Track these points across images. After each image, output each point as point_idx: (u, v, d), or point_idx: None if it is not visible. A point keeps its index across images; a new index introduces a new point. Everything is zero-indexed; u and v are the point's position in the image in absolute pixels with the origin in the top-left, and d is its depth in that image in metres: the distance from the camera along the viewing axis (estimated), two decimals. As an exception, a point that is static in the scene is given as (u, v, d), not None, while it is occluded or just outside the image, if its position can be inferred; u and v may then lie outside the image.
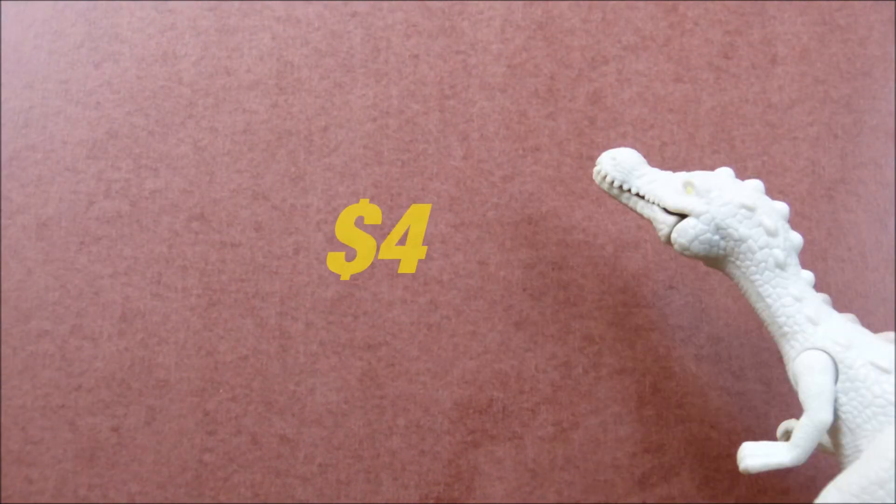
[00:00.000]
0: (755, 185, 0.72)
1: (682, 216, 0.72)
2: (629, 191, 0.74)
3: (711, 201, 0.70)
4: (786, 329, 0.70)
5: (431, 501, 0.88)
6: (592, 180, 0.94)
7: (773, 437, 0.90)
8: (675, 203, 0.71)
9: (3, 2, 0.93)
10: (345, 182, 0.92)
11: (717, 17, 0.99)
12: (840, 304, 0.93)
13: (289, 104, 0.93)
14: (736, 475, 0.90)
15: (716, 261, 0.72)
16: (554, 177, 0.94)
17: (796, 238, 0.71)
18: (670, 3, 0.99)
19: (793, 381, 0.70)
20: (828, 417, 0.65)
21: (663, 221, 0.72)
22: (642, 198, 0.73)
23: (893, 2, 1.01)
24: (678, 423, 0.90)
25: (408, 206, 0.92)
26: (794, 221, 0.95)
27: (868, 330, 0.75)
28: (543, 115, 0.95)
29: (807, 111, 0.97)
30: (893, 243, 0.95)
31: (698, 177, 0.71)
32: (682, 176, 0.73)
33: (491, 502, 0.88)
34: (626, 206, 0.77)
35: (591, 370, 0.91)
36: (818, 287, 0.93)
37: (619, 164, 0.74)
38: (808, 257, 0.94)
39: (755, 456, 0.65)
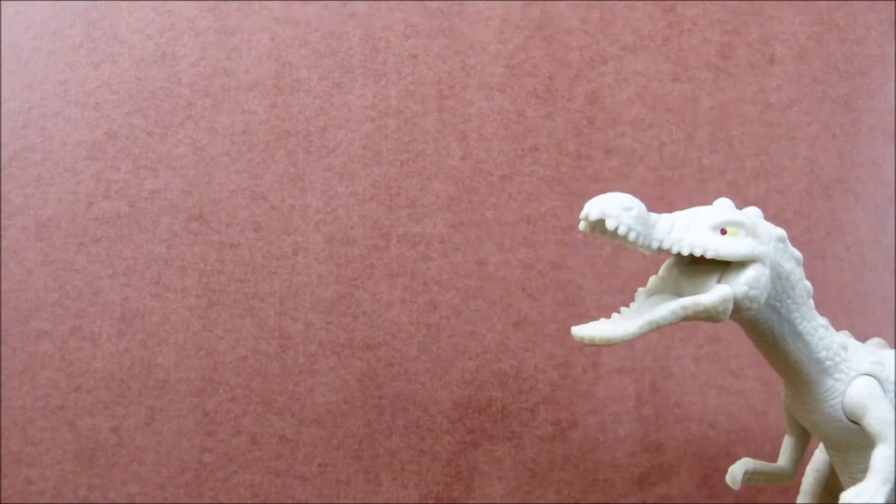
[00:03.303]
0: (760, 213, 0.65)
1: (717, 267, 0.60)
2: (647, 246, 0.58)
3: (761, 239, 0.60)
4: (827, 363, 0.63)
5: (431, 501, 0.88)
6: (591, 180, 0.94)
7: (771, 436, 0.90)
8: (739, 251, 0.59)
9: (2, 2, 0.93)
10: (344, 182, 0.92)
11: (716, 17, 0.99)
12: (839, 304, 0.93)
13: (287, 105, 0.93)
14: (735, 474, 0.90)
15: (762, 309, 0.61)
16: (552, 176, 0.94)
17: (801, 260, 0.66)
18: (668, 3, 0.99)
19: (838, 416, 0.64)
20: None
21: (721, 300, 0.58)
22: (664, 251, 0.59)
23: (892, 1, 1.01)
24: (677, 422, 0.90)
25: (407, 206, 0.92)
26: (793, 221, 0.95)
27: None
28: (542, 114, 0.95)
29: (805, 111, 0.98)
30: (892, 242, 0.96)
31: (740, 214, 0.61)
32: (705, 217, 0.60)
33: (490, 502, 0.88)
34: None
35: (590, 370, 0.91)
36: (816, 288, 0.94)
37: (639, 214, 0.57)
38: (806, 256, 0.94)
39: (861, 496, 0.59)
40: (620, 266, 0.93)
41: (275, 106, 0.93)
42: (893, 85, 0.99)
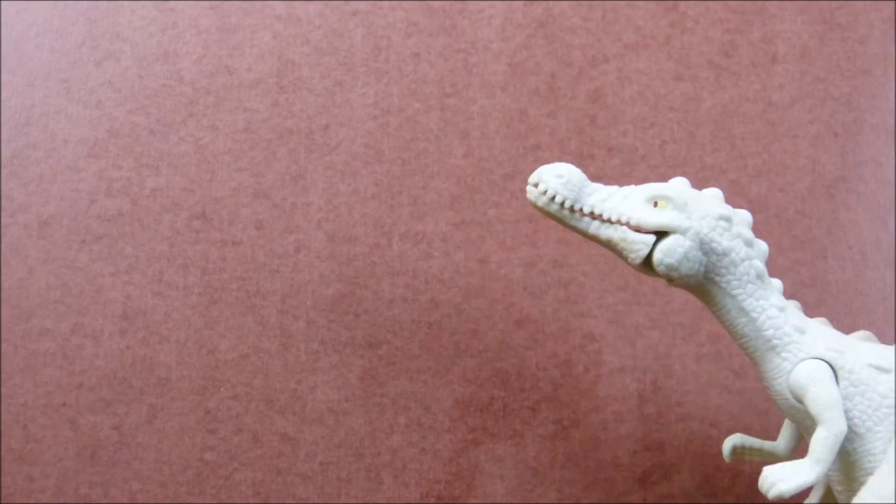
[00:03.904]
0: (718, 194, 0.69)
1: (656, 234, 0.65)
2: (580, 210, 0.65)
3: (691, 215, 0.65)
4: (775, 342, 0.66)
5: (432, 499, 0.88)
6: (593, 178, 0.94)
7: (773, 435, 0.90)
8: (655, 220, 0.64)
9: (4, 1, 0.93)
10: (346, 180, 0.92)
11: (718, 15, 0.99)
12: (840, 303, 0.93)
13: (289, 103, 0.93)
14: (736, 473, 0.90)
15: (691, 279, 0.66)
16: (554, 175, 0.94)
17: (764, 246, 0.69)
18: (671, 1, 0.99)
19: (785, 395, 0.67)
20: (845, 427, 0.62)
21: (641, 241, 0.64)
22: (597, 217, 0.65)
23: (894, 1, 1.01)
24: (678, 421, 0.90)
25: (409, 205, 0.92)
26: (795, 219, 0.95)
27: (841, 329, 0.73)
28: (544, 113, 0.95)
29: (807, 109, 0.98)
30: (893, 241, 0.96)
31: (670, 190, 0.66)
32: (643, 190, 0.66)
33: (492, 500, 0.88)
34: (568, 227, 0.67)
35: (592, 368, 0.91)
36: (818, 287, 0.93)
37: (568, 181, 0.65)
38: (808, 256, 0.94)
39: (784, 480, 0.61)
40: (622, 264, 0.93)
41: (277, 104, 0.93)
42: (895, 84, 0.99)
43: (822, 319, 0.70)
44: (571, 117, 0.95)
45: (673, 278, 0.65)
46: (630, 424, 0.90)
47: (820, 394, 0.63)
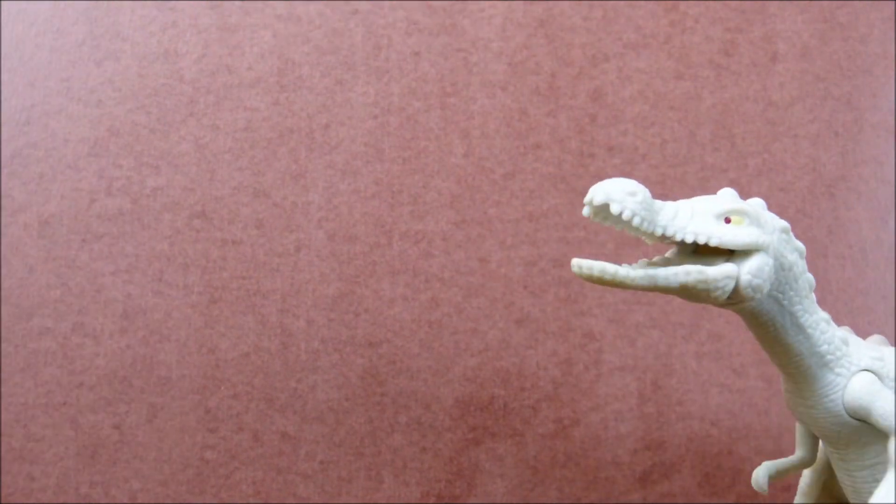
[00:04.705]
0: (763, 204, 0.65)
1: (703, 255, 0.61)
2: (651, 233, 0.59)
3: (765, 229, 0.60)
4: (829, 357, 0.63)
5: (432, 498, 0.88)
6: (593, 177, 0.94)
7: (773, 434, 0.90)
8: (742, 239, 0.59)
9: (4, 1, 0.93)
10: (346, 179, 0.92)
11: (718, 14, 0.99)
12: (840, 302, 0.93)
13: (290, 102, 0.93)
14: (736, 472, 0.90)
15: (763, 298, 0.61)
16: (555, 174, 0.94)
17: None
18: (671, 1, 0.99)
19: (837, 411, 0.64)
20: None
21: (725, 276, 0.58)
22: (668, 238, 0.59)
23: (893, 0, 1.01)
24: (679, 420, 0.90)
25: (409, 204, 0.92)
26: (795, 219, 0.95)
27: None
28: (544, 112, 0.95)
29: (807, 109, 0.98)
30: (894, 240, 0.96)
31: (744, 204, 0.60)
32: (708, 206, 0.60)
33: (492, 499, 0.88)
34: (619, 285, 0.58)
35: (592, 367, 0.91)
36: (818, 286, 0.93)
37: (643, 201, 0.57)
38: (808, 254, 0.94)
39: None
40: (623, 263, 0.93)
41: (277, 103, 0.93)
42: (895, 83, 0.99)
43: (846, 327, 0.70)
44: (572, 116, 0.95)
45: (755, 300, 0.59)
46: (630, 423, 0.90)
47: (886, 406, 0.62)
